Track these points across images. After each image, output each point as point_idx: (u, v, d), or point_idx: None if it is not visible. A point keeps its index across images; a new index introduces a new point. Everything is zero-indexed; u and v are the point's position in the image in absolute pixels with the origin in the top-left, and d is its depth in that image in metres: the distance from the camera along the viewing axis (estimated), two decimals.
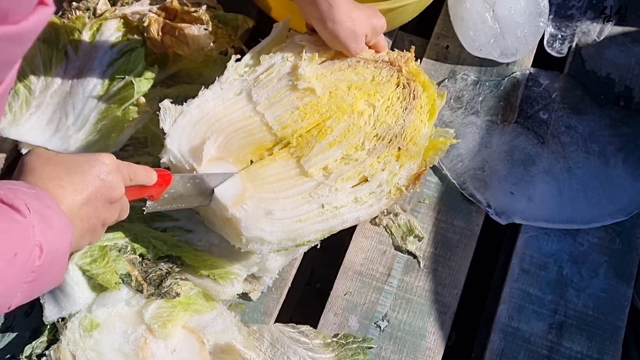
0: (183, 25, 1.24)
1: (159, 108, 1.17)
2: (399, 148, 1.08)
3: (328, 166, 1.03)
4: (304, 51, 1.11)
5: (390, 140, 1.07)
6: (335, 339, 1.06)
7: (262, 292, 1.10)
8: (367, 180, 1.05)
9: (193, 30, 1.24)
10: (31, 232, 0.67)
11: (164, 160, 1.03)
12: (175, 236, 1.07)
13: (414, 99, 1.13)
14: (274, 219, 0.97)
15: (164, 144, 1.02)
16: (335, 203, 1.01)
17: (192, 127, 1.03)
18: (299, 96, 1.07)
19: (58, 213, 0.72)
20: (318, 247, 1.10)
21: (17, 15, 0.57)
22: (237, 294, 1.07)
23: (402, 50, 1.20)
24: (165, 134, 1.03)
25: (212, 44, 1.27)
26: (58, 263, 0.72)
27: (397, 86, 1.14)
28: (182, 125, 1.03)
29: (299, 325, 1.06)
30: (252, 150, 1.03)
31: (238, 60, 1.12)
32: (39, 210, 0.68)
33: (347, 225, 1.04)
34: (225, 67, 1.10)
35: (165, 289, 1.01)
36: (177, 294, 1.01)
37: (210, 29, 1.27)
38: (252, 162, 1.01)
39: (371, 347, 1.07)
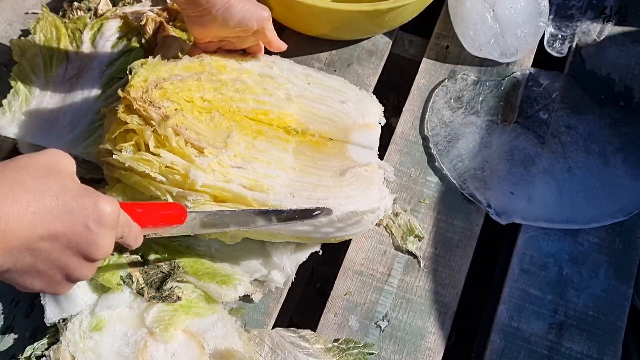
0: (171, 29, 1.25)
1: None
2: None
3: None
4: None
5: None
6: (336, 344, 1.06)
7: (263, 293, 1.10)
8: None
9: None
10: None
11: None
12: (175, 240, 1.07)
13: None
14: None
15: None
16: None
17: None
18: None
19: None
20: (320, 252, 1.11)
21: None
22: (239, 296, 1.07)
23: (400, 49, 1.21)
24: None
25: None
26: None
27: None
28: None
29: (299, 330, 1.06)
30: None
31: None
32: None
33: None
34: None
35: (167, 293, 1.00)
36: (179, 298, 1.00)
37: None
38: None
39: (372, 353, 1.07)
